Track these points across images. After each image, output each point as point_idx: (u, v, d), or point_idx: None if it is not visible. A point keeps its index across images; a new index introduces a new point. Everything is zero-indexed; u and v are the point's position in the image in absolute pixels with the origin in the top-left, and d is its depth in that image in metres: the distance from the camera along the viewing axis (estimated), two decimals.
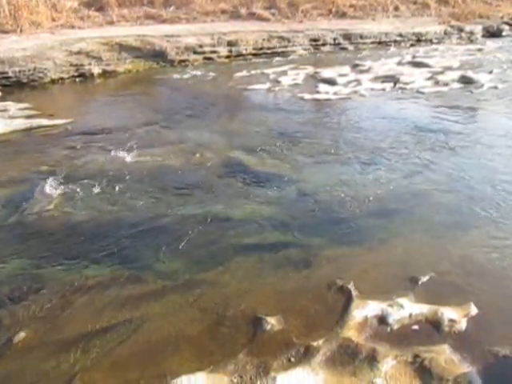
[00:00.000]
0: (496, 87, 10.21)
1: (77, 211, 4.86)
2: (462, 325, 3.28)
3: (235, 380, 2.89)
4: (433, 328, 3.27)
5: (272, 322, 3.29)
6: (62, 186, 5.35)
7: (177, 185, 5.47)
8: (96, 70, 11.31)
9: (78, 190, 5.31)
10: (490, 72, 11.65)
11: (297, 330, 3.24)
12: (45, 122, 7.74)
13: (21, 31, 12.39)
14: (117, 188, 5.36)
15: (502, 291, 3.62)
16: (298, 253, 4.13)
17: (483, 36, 17.92)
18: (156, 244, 4.27)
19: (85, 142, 6.88)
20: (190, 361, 3.00)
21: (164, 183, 5.51)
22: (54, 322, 3.35)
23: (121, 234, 4.47)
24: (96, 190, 5.30)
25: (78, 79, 11.09)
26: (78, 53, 11.31)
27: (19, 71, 10.27)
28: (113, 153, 6.42)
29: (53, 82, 10.70)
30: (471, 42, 17.37)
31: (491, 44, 16.46)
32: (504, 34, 18.42)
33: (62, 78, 10.84)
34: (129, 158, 6.22)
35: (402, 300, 3.50)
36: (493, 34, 18.26)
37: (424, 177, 5.61)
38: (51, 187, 5.30)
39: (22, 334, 3.22)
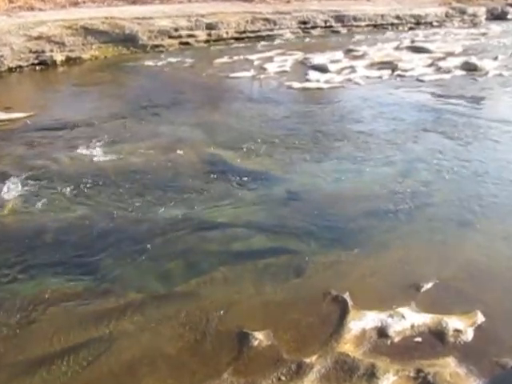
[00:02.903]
0: (501, 75, 10.39)
1: (36, 217, 4.78)
2: (468, 335, 3.30)
3: None
4: (437, 339, 3.28)
5: (260, 338, 3.28)
6: (19, 189, 5.28)
7: (151, 186, 5.44)
8: (59, 57, 11.23)
9: (38, 192, 5.24)
10: (495, 58, 11.85)
11: (287, 346, 3.23)
12: (1, 115, 7.66)
13: None
14: (82, 190, 5.31)
15: (511, 298, 3.67)
16: (288, 260, 4.14)
17: (487, 19, 18.23)
18: (128, 252, 4.24)
19: (46, 139, 6.81)
20: (168, 382, 2.98)
21: (136, 184, 5.48)
22: (14, 342, 3.31)
23: (87, 241, 4.41)
24: (58, 192, 5.26)
25: (38, 67, 11.00)
26: (39, 38, 11.18)
27: None
28: (78, 150, 6.37)
29: (10, 70, 10.60)
30: (474, 25, 17.64)
31: (496, 27, 16.75)
32: (509, 16, 18.76)
33: (20, 66, 10.75)
34: (96, 157, 6.17)
35: (402, 309, 3.52)
36: (497, 16, 18.57)
37: (426, 174, 5.65)
38: (7, 189, 5.22)
39: None
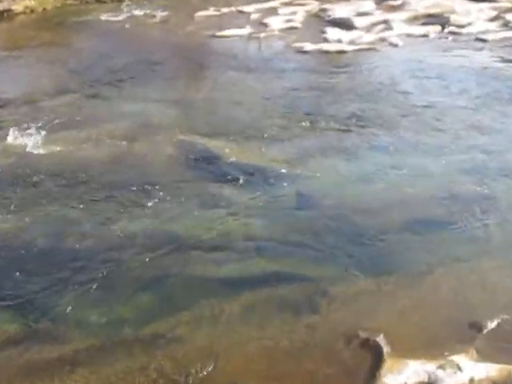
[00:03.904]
0: None
1: None
2: None
3: None
4: None
5: None
6: None
7: (108, 188, 5.44)
8: None
9: None
10: None
11: None
12: None
13: None
14: (15, 192, 5.31)
15: None
16: (298, 289, 4.14)
17: None
18: (78, 280, 4.25)
19: None
20: None
21: (88, 186, 5.46)
22: None
23: (19, 265, 4.44)
24: None
25: None
26: None
27: None
28: (9, 138, 6.38)
29: None
30: None
31: None
32: None
33: None
34: (33, 147, 6.18)
35: (458, 358, 3.51)
36: None
37: (488, 172, 5.64)
38: None
39: None
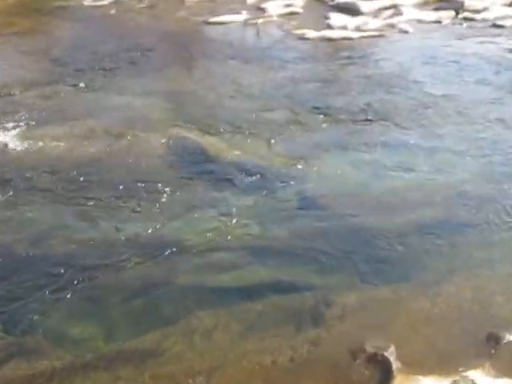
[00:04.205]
0: None
1: None
2: None
3: None
4: None
5: None
6: None
7: (91, 189, 5.44)
8: None
9: None
10: None
11: None
12: None
13: None
14: None
15: None
16: (300, 299, 4.14)
17: None
18: (61, 289, 4.24)
19: None
20: None
21: (71, 185, 5.47)
22: None
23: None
24: None
25: None
26: None
27: None
28: None
29: None
30: None
31: None
32: None
33: None
34: (11, 143, 6.21)
35: (474, 373, 3.50)
36: None
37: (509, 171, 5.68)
38: None
39: None
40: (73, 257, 4.61)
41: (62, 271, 4.43)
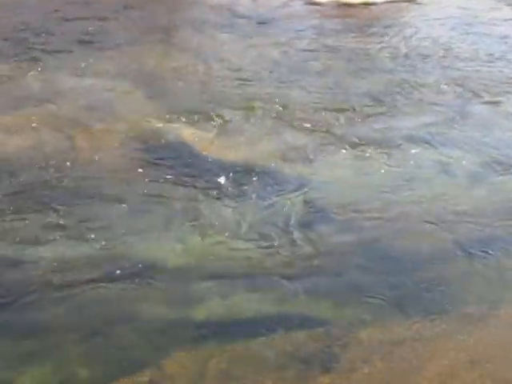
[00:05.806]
0: None
1: None
2: None
3: None
4: None
5: None
6: None
7: (46, 193, 5.11)
8: None
9: None
10: None
11: None
12: None
13: None
14: None
15: None
16: (308, 337, 3.82)
17: None
18: (4, 323, 3.88)
19: None
20: None
21: (18, 191, 5.14)
22: None
23: None
24: None
25: None
26: None
27: None
28: None
29: None
30: None
31: None
32: None
33: None
34: None
35: None
36: None
37: None
38: None
39: None
40: (18, 281, 4.24)
41: (4, 301, 4.05)
